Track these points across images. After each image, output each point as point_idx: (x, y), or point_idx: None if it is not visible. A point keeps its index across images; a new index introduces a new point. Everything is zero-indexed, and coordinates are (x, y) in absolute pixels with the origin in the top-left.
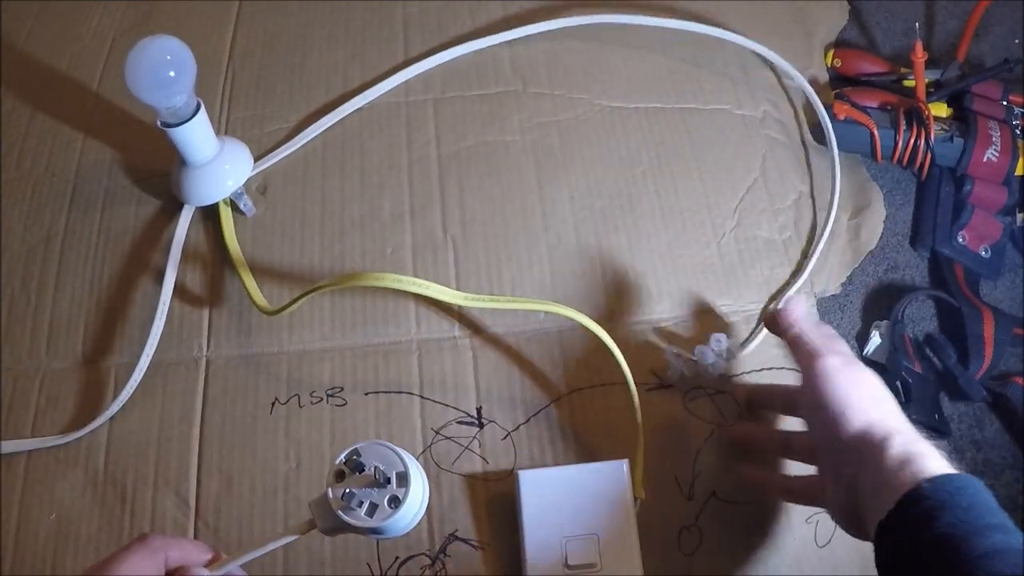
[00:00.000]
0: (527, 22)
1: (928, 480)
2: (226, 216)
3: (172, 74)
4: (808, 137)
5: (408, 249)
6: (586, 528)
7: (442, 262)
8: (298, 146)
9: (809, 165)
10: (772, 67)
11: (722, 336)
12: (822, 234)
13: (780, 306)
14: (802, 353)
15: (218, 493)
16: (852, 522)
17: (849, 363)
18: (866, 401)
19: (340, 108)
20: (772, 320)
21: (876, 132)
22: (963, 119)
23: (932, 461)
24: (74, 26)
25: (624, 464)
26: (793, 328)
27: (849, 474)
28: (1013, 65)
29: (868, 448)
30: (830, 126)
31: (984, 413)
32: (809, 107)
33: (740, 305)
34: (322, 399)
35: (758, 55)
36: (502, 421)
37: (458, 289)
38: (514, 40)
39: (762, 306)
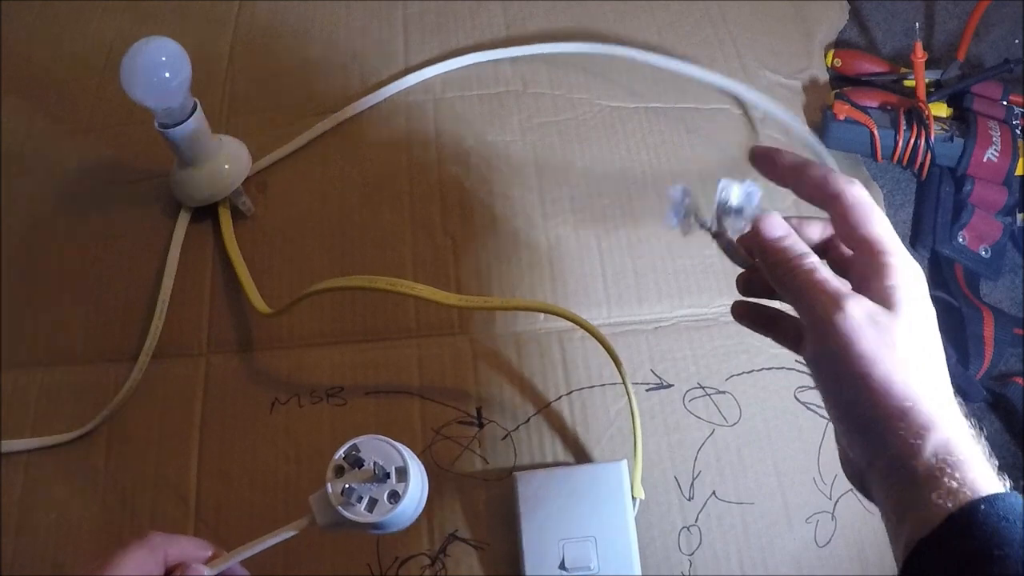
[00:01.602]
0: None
1: (981, 501)
2: (224, 216)
3: (167, 75)
4: (808, 137)
5: (408, 249)
6: (584, 530)
7: (441, 262)
8: (298, 146)
9: None
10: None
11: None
12: None
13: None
14: (811, 296)
15: (218, 493)
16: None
17: (880, 313)
18: (899, 373)
19: (340, 112)
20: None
21: (876, 132)
22: (963, 119)
23: (977, 470)
24: (74, 26)
25: (623, 464)
26: (782, 242)
27: (864, 449)
28: (1013, 65)
29: (893, 437)
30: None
31: (984, 413)
32: (809, 107)
33: None
34: (322, 399)
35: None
36: (502, 421)
37: (458, 289)
38: (514, 39)
39: None
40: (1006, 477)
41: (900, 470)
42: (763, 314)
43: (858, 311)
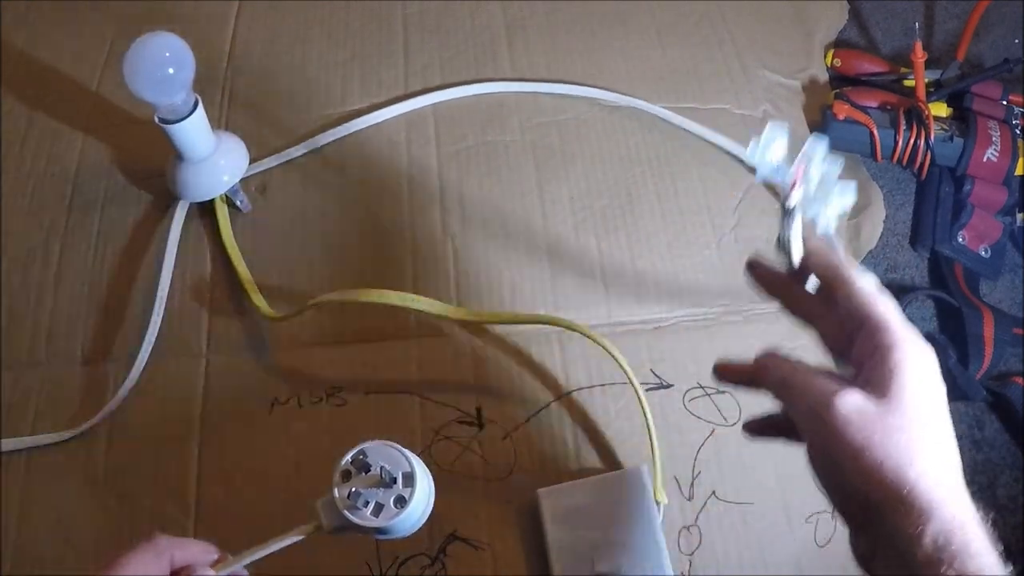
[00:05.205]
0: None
1: None
2: (222, 212)
3: (171, 71)
4: (808, 137)
5: (408, 249)
6: (613, 535)
7: (441, 262)
8: (297, 144)
9: None
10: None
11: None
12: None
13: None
14: (803, 397)
15: (217, 493)
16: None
17: (869, 404)
18: (891, 460)
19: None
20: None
21: (876, 132)
22: (963, 119)
23: (977, 560)
24: (74, 25)
25: (644, 469)
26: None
27: (867, 540)
28: (1013, 65)
29: (892, 526)
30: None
31: (984, 413)
32: (809, 106)
33: (740, 305)
34: (322, 399)
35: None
36: (502, 421)
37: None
38: (514, 38)
39: (761, 306)
40: (1010, 564)
41: (901, 560)
42: (770, 425)
43: (845, 406)
